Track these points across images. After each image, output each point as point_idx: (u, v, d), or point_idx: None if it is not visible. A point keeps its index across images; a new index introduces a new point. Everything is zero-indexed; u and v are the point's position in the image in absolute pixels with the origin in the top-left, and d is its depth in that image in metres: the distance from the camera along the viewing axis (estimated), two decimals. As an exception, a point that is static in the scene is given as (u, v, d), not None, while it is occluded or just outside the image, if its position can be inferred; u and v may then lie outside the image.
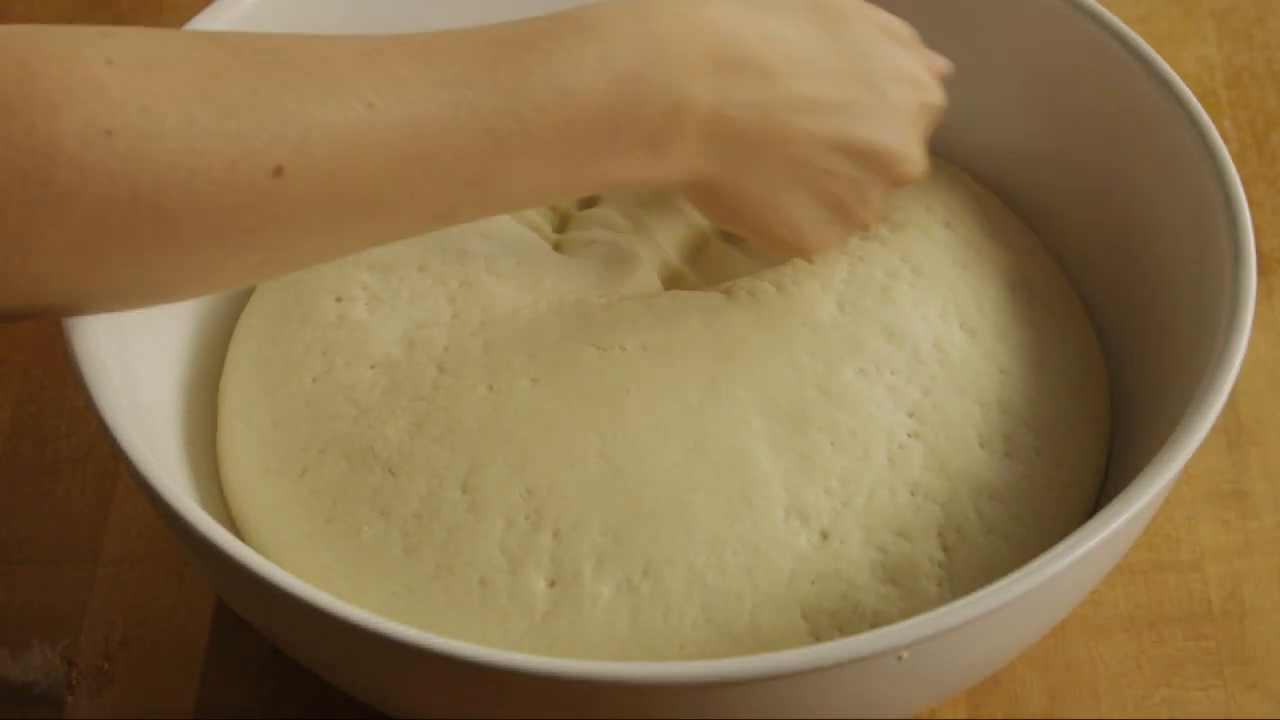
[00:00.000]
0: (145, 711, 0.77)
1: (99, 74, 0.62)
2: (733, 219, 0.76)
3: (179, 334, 0.80)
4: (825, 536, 0.73)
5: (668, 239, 0.85)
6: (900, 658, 0.64)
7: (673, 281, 0.83)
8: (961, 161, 0.88)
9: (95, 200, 0.62)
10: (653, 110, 0.70)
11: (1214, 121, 0.79)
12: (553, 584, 0.72)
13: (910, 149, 0.76)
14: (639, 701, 0.65)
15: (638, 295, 0.80)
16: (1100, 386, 0.80)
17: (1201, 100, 0.86)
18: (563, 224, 0.86)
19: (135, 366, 0.74)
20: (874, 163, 0.75)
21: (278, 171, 0.64)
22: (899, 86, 0.75)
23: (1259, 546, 0.82)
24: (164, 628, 0.80)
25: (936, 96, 0.77)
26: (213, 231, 0.64)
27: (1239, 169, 0.77)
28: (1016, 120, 0.86)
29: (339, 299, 0.81)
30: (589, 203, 0.87)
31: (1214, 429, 0.77)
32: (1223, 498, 0.83)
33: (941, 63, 0.79)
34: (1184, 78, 0.80)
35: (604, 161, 0.70)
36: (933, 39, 0.87)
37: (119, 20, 1.02)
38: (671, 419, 0.75)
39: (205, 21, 0.82)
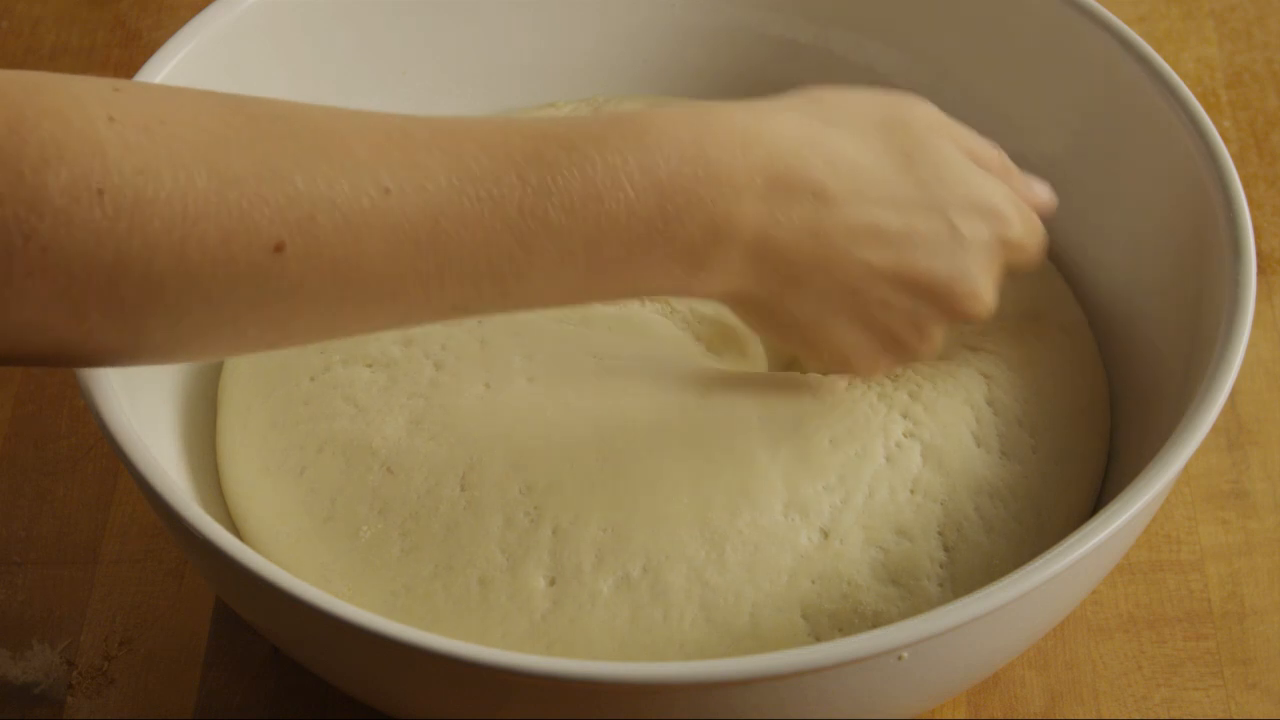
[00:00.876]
0: (145, 711, 0.77)
1: (98, 130, 0.61)
2: (776, 334, 0.72)
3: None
4: (826, 535, 0.73)
5: None
6: (900, 658, 0.64)
7: None
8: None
9: (78, 257, 0.61)
10: (693, 226, 0.66)
11: (1214, 121, 0.79)
12: (552, 582, 0.72)
13: (976, 285, 0.71)
14: (639, 701, 0.65)
15: None
16: (1099, 385, 0.80)
17: (1201, 100, 0.86)
18: None
19: (136, 367, 0.74)
20: (935, 298, 0.70)
21: (278, 248, 0.63)
22: (972, 218, 0.70)
23: (1259, 546, 0.82)
24: (164, 628, 0.80)
25: (1018, 230, 0.72)
26: (205, 300, 0.63)
27: (1239, 169, 0.77)
28: (1016, 120, 0.86)
29: None
30: None
31: (1214, 429, 0.77)
32: (1223, 498, 0.83)
33: (1039, 191, 0.75)
34: (1184, 78, 0.81)
35: (635, 271, 0.67)
36: (932, 39, 0.87)
37: (119, 20, 1.02)
38: (670, 416, 0.75)
39: (205, 21, 0.82)
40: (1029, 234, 0.73)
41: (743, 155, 0.67)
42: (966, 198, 0.70)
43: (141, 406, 0.73)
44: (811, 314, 0.70)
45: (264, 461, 0.77)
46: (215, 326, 0.64)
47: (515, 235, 0.65)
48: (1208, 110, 0.80)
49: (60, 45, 1.01)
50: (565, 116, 0.67)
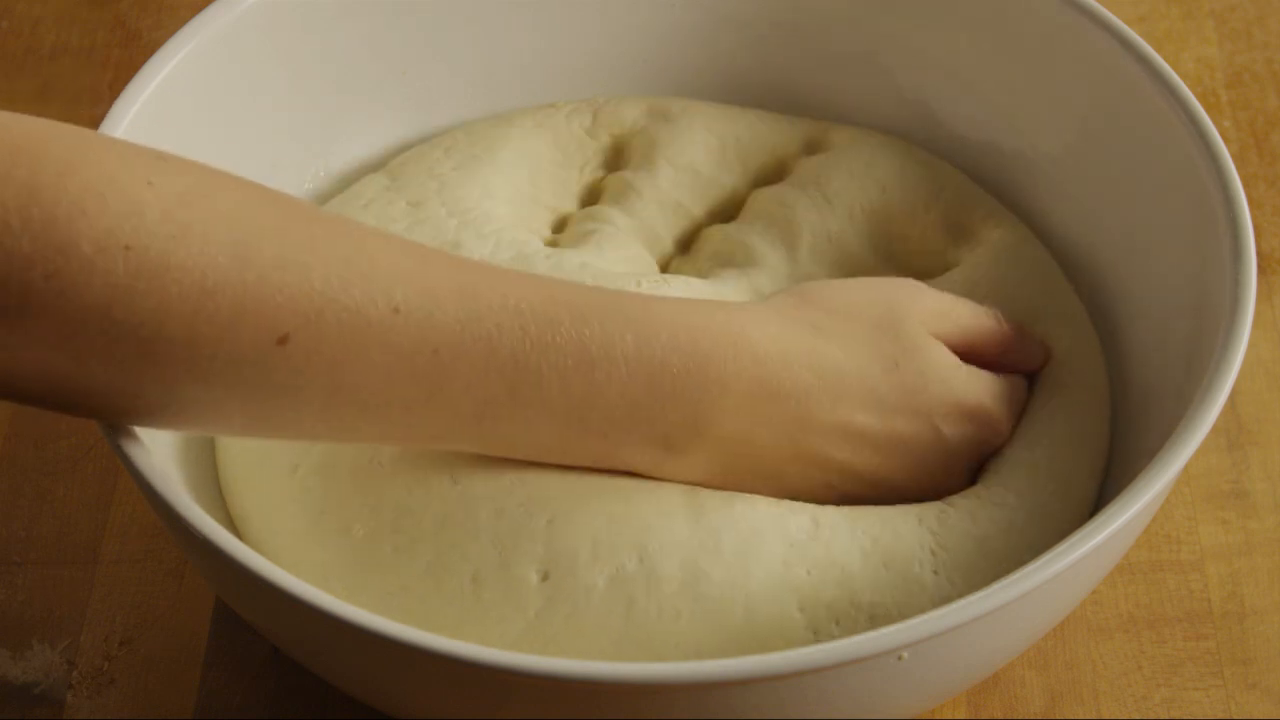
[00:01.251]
0: (145, 711, 0.77)
1: (139, 191, 0.63)
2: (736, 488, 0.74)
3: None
4: (816, 524, 0.73)
5: (664, 228, 0.85)
6: (900, 658, 0.64)
7: (667, 268, 0.84)
8: (959, 161, 0.88)
9: (93, 307, 0.62)
10: (676, 416, 0.70)
11: (1214, 121, 0.79)
12: (545, 576, 0.72)
13: (950, 487, 0.75)
14: (639, 701, 0.65)
15: (628, 275, 0.80)
16: (1097, 383, 0.80)
17: (1201, 100, 0.86)
18: (561, 224, 0.87)
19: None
20: (907, 496, 0.74)
21: (283, 340, 0.64)
22: (960, 425, 0.74)
23: (1259, 546, 0.82)
24: (164, 628, 0.80)
25: (1000, 434, 0.75)
26: (203, 375, 0.64)
27: (1239, 169, 0.77)
28: (1016, 119, 0.86)
29: None
30: (589, 200, 0.87)
31: (1214, 429, 0.77)
32: (1223, 498, 0.83)
33: (1038, 354, 0.78)
34: (1184, 78, 0.80)
35: (613, 444, 0.70)
36: (933, 39, 0.87)
37: (119, 20, 1.02)
38: None
39: (205, 21, 0.82)
40: (1005, 435, 0.76)
41: (733, 358, 0.70)
42: (953, 402, 0.73)
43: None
44: (774, 488, 0.73)
45: (261, 459, 0.77)
46: (204, 404, 0.65)
47: (505, 382, 0.67)
48: (1208, 110, 0.80)
49: (60, 45, 1.01)
50: (576, 283, 0.70)
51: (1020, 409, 0.77)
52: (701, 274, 0.83)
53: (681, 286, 0.80)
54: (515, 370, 0.67)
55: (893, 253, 0.85)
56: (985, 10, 0.85)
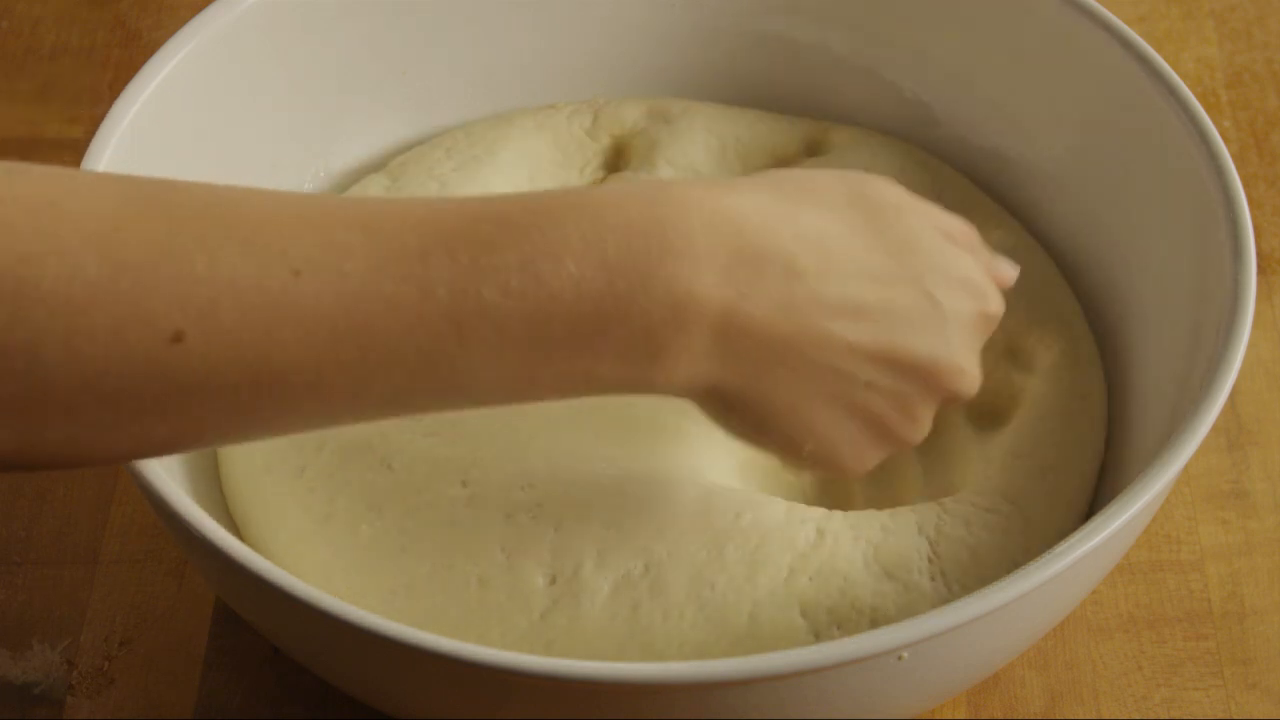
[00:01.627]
0: (145, 711, 0.77)
1: None
2: (754, 433, 0.66)
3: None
4: (821, 534, 0.73)
5: None
6: (900, 658, 0.64)
7: None
8: (958, 161, 0.88)
9: None
10: (650, 305, 0.61)
11: (1214, 121, 0.79)
12: (553, 580, 0.72)
13: (964, 361, 0.66)
14: (639, 701, 0.65)
15: None
16: (1094, 389, 0.80)
17: (1201, 100, 0.86)
18: None
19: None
20: (922, 376, 0.65)
21: (177, 338, 0.58)
22: (954, 292, 0.66)
23: (1259, 546, 0.82)
24: (164, 628, 0.80)
25: (997, 305, 0.68)
26: (101, 397, 0.58)
27: (1239, 169, 0.77)
28: (1015, 119, 0.86)
29: None
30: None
31: (1214, 429, 0.77)
32: (1223, 498, 0.83)
33: (1005, 268, 0.70)
34: (1184, 78, 0.80)
35: (586, 360, 0.61)
36: (932, 39, 0.87)
37: (119, 20, 1.02)
38: (673, 414, 0.75)
39: (205, 21, 0.82)
40: (1000, 308, 0.69)
41: (703, 230, 0.62)
42: (946, 271, 0.66)
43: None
44: (790, 402, 0.64)
45: (264, 460, 0.77)
46: (117, 426, 0.59)
47: (447, 319, 0.60)
48: (1208, 110, 0.80)
49: (60, 45, 1.01)
50: (505, 195, 0.62)
51: (1000, 300, 0.69)
52: None
53: None
54: (453, 302, 0.60)
55: None
56: (985, 11, 0.85)
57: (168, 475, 0.68)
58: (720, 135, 0.88)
